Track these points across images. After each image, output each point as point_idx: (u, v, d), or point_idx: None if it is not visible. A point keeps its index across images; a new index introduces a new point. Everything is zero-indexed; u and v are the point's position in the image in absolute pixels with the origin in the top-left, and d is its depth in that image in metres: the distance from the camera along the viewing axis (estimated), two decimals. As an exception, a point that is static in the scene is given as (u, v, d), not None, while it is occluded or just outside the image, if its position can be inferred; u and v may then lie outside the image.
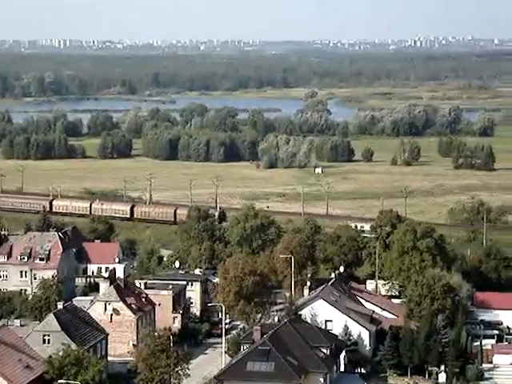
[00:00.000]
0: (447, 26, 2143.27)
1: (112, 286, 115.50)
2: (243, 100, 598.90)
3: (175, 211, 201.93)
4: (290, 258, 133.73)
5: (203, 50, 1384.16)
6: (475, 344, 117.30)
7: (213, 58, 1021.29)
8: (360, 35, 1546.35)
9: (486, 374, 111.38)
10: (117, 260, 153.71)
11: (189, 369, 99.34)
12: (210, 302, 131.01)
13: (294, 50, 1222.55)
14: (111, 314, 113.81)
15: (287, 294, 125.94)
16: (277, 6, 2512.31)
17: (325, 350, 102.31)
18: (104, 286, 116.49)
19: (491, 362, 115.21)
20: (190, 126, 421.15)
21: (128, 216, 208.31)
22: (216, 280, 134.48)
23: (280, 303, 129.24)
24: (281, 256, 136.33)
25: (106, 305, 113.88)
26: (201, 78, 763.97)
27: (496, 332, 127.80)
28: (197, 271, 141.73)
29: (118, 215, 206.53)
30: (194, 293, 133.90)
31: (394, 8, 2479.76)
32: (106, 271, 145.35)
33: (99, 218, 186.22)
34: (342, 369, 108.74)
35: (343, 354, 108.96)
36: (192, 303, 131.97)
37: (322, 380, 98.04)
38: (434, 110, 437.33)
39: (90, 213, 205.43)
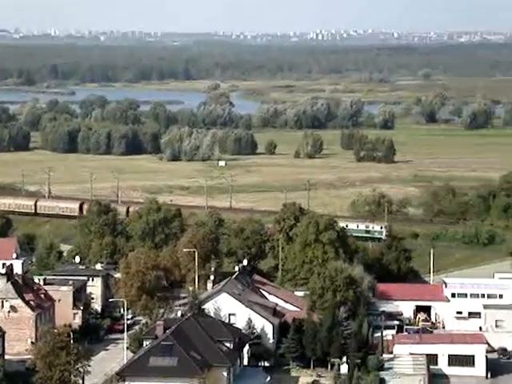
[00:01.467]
0: (348, 20, 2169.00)
1: (9, 283, 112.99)
2: (145, 92, 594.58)
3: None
4: (194, 251, 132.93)
5: (103, 40, 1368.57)
6: (376, 335, 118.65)
7: (113, 49, 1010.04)
8: (262, 27, 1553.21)
9: (387, 364, 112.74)
10: (14, 256, 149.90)
11: (89, 365, 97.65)
12: (112, 298, 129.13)
13: (196, 41, 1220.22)
14: (8, 311, 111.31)
15: (190, 288, 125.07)
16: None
17: (228, 344, 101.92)
18: (0, 283, 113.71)
19: (391, 352, 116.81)
20: (90, 118, 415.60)
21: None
22: (118, 275, 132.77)
23: (183, 297, 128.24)
24: (184, 250, 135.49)
25: (2, 302, 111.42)
26: (101, 69, 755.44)
27: (396, 323, 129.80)
28: (98, 266, 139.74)
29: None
30: (95, 288, 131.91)
31: (297, 0, 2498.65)
32: (2, 267, 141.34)
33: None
34: (245, 362, 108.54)
35: (247, 347, 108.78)
36: (93, 299, 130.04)
37: (225, 374, 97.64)
38: (336, 103, 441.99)
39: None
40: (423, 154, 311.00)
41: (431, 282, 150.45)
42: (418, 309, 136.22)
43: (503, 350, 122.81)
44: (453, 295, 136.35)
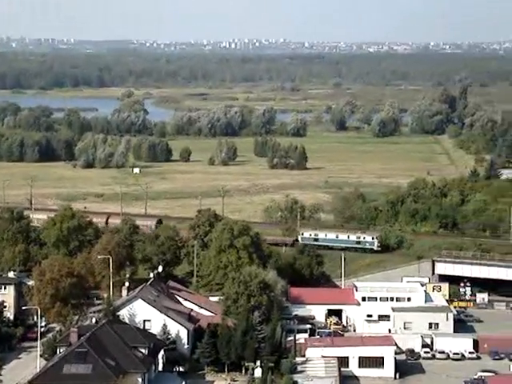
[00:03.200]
0: (261, 29, 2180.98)
1: None
2: (58, 99, 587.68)
3: None
4: (108, 258, 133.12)
5: (15, 47, 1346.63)
6: (289, 339, 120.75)
7: (25, 55, 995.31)
8: (176, 36, 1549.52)
9: (299, 367, 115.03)
10: None
11: (1, 374, 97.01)
12: (25, 305, 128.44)
13: (110, 49, 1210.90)
14: None
15: (105, 295, 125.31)
16: (93, 4, 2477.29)
17: (143, 350, 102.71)
18: None
19: (304, 356, 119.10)
20: (2, 125, 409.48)
21: None
22: (31, 283, 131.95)
23: (98, 304, 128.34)
24: (98, 257, 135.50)
25: None
26: (13, 76, 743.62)
27: (309, 326, 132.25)
28: (10, 274, 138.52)
29: None
30: (7, 296, 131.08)
31: (209, 9, 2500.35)
32: None
33: None
34: (160, 368, 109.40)
35: (162, 352, 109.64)
36: (5, 307, 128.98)
37: (139, 380, 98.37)
38: (249, 111, 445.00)
39: None
40: (334, 161, 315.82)
41: (342, 286, 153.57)
42: (330, 312, 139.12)
43: (411, 352, 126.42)
44: (363, 299, 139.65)
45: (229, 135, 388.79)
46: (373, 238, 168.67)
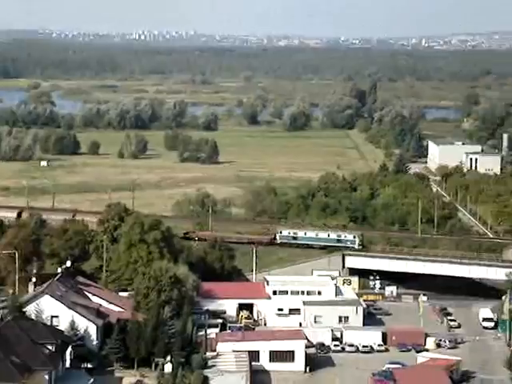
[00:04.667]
0: (171, 21, 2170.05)
1: None
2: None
3: None
4: (14, 253, 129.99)
5: None
6: (200, 333, 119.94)
7: None
8: (84, 26, 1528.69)
9: (210, 362, 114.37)
10: None
11: None
12: None
13: (16, 39, 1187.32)
14: None
15: (10, 291, 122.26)
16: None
17: (50, 347, 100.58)
18: None
19: (215, 350, 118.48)
20: None
21: None
22: None
23: (3, 300, 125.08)
24: (3, 252, 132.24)
25: None
26: None
27: (220, 321, 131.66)
28: None
29: None
30: None
31: (119, 0, 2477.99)
32: None
33: None
34: (68, 365, 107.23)
35: (69, 349, 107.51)
36: None
37: (46, 378, 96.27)
38: (159, 104, 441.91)
39: None
40: (246, 155, 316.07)
41: (254, 281, 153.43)
42: (241, 307, 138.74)
43: (321, 345, 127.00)
44: (274, 293, 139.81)
45: (139, 128, 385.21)
46: (354, 237, 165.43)
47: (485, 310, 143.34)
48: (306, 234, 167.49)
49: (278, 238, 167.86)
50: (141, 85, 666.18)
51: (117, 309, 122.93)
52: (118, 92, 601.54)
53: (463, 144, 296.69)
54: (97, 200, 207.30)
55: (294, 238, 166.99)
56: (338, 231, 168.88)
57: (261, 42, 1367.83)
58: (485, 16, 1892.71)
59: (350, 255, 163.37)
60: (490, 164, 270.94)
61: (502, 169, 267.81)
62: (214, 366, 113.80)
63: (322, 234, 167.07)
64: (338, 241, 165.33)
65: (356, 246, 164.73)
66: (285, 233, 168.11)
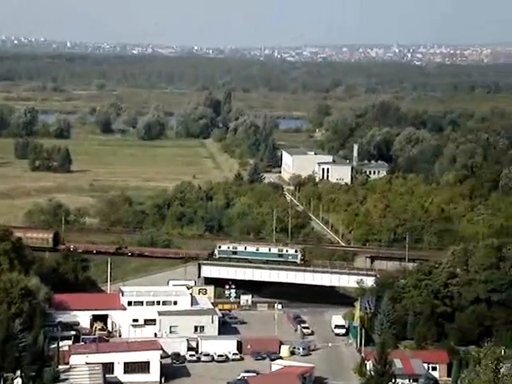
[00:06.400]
0: (21, 27, 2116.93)
1: None
2: None
3: None
4: None
5: None
6: (53, 346, 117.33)
7: None
8: None
9: (63, 376, 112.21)
10: None
11: None
12: None
13: None
14: None
15: None
16: None
17: None
18: None
19: (68, 363, 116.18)
20: None
21: None
22: None
23: None
24: None
25: None
26: None
27: (73, 333, 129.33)
28: None
29: None
30: None
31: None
32: None
33: None
34: None
35: None
36: None
37: None
38: (8, 111, 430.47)
39: None
40: (99, 164, 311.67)
41: (108, 291, 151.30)
42: (95, 318, 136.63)
43: (176, 355, 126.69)
44: (129, 303, 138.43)
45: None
46: (296, 251, 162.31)
47: (337, 317, 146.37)
48: (246, 248, 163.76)
49: (216, 252, 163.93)
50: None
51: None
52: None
53: (315, 154, 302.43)
54: None
55: (234, 253, 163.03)
56: (279, 246, 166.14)
57: (114, 50, 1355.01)
58: (334, 29, 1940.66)
59: (205, 264, 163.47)
60: (341, 174, 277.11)
61: (352, 178, 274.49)
62: (66, 379, 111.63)
63: (263, 249, 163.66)
64: (280, 255, 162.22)
65: (298, 261, 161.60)
66: (224, 247, 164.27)
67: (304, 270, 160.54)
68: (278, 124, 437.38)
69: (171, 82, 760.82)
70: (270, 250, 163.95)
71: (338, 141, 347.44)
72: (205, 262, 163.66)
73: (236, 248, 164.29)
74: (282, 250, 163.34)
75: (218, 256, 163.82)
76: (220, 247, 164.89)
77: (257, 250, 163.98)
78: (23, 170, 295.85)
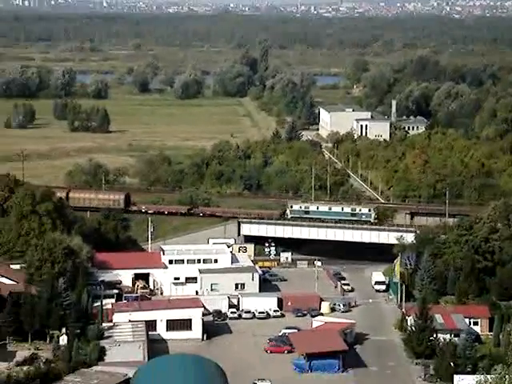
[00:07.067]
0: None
1: None
2: None
3: None
4: None
5: None
6: (96, 304, 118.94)
7: None
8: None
9: (106, 333, 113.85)
10: None
11: None
12: None
13: None
14: None
15: None
16: None
17: None
18: None
19: (111, 321, 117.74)
20: None
21: None
22: None
23: None
24: None
25: None
26: None
27: (115, 291, 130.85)
28: None
29: None
30: None
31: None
32: None
33: None
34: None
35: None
36: None
37: None
38: (47, 72, 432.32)
39: None
40: (137, 124, 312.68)
41: (149, 250, 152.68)
42: (137, 276, 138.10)
43: (218, 313, 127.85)
44: (170, 262, 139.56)
45: (26, 97, 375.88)
46: (369, 210, 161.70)
47: (377, 274, 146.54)
48: (318, 208, 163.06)
49: (288, 212, 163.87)
50: (27, 52, 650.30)
51: (8, 282, 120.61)
52: (2, 60, 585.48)
53: (353, 111, 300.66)
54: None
55: (306, 213, 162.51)
56: (352, 204, 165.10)
57: (150, 9, 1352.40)
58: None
59: (245, 222, 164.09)
60: (379, 130, 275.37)
61: (391, 135, 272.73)
62: (110, 336, 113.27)
63: (336, 208, 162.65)
64: (353, 215, 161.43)
65: (372, 220, 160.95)
66: (296, 207, 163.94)
67: (342, 227, 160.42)
68: (316, 81, 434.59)
69: (207, 40, 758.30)
70: (342, 209, 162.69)
71: (376, 97, 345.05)
72: (244, 220, 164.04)
73: (308, 208, 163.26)
74: (355, 210, 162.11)
75: (290, 216, 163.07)
76: (292, 207, 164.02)
77: (329, 209, 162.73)
78: (62, 130, 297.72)
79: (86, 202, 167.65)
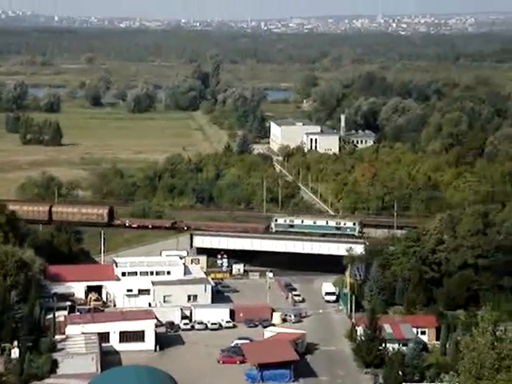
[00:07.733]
0: (7, 1, 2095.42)
1: None
2: None
3: None
4: None
5: None
6: (49, 317, 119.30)
7: None
8: None
9: (59, 345, 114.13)
10: None
11: None
12: None
13: None
14: None
15: None
16: None
17: None
18: None
19: (64, 333, 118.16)
20: None
21: None
22: None
23: None
24: None
25: None
26: None
27: (68, 303, 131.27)
28: None
29: None
30: None
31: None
32: None
33: None
34: None
35: None
36: None
37: None
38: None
39: None
40: (90, 137, 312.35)
41: (102, 262, 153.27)
42: (90, 289, 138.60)
43: (170, 324, 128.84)
44: (123, 274, 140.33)
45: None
46: (354, 224, 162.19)
47: (327, 284, 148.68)
48: (303, 221, 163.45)
49: (272, 226, 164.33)
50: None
51: None
52: None
53: (303, 125, 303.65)
54: None
55: (291, 226, 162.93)
56: (336, 218, 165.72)
57: (102, 24, 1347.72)
58: (320, 0, 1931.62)
59: (197, 235, 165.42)
60: (328, 144, 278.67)
61: (340, 148, 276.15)
62: (63, 348, 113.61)
63: (320, 222, 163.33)
64: (337, 228, 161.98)
65: (356, 234, 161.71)
66: (280, 221, 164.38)
67: (294, 239, 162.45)
68: (266, 95, 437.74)
69: (159, 55, 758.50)
70: (327, 222, 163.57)
71: (326, 111, 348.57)
72: (196, 232, 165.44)
73: (293, 221, 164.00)
74: (339, 223, 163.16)
75: (274, 230, 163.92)
76: (277, 220, 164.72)
77: (314, 223, 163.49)
78: (15, 143, 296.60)
79: (69, 216, 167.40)
